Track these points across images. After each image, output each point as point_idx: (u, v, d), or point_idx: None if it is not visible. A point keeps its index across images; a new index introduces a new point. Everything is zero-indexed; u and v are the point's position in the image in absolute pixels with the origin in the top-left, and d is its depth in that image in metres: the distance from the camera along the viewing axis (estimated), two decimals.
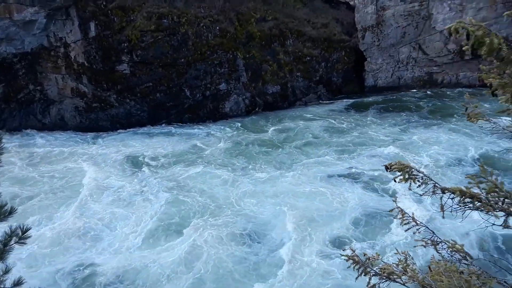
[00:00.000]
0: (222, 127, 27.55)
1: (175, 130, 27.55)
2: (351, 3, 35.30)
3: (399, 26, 34.29)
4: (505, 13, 3.59)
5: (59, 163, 21.87)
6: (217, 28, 30.35)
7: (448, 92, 32.83)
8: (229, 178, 18.66)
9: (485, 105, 4.47)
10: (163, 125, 28.75)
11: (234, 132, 26.56)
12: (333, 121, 27.77)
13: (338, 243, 13.08)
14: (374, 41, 35.00)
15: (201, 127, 28.18)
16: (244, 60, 31.25)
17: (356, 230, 13.69)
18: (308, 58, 34.04)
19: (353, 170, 18.94)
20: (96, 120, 28.59)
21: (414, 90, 34.34)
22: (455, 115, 26.40)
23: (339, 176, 18.39)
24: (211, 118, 29.82)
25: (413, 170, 4.53)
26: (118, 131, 27.68)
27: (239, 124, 28.08)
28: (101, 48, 28.11)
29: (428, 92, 33.52)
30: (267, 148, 23.05)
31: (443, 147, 20.89)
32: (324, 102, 33.70)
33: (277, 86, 32.76)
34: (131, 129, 27.73)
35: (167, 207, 15.94)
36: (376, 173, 17.99)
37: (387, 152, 20.96)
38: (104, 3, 28.37)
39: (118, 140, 25.70)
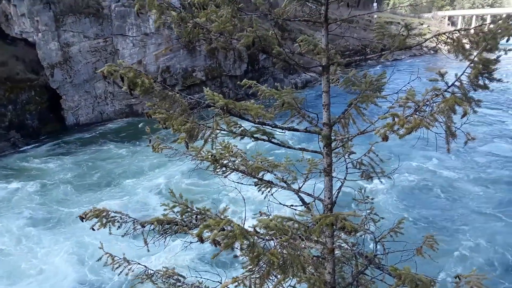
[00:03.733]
0: None
1: None
2: (30, 39, 32.27)
3: (88, 62, 34.10)
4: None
5: None
6: None
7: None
8: None
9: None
10: None
11: None
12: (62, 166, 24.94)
13: None
14: (66, 78, 33.36)
15: None
16: None
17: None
18: None
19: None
20: None
21: (119, 122, 35.03)
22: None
23: None
24: None
25: (110, 212, 4.38)
26: None
27: None
28: None
29: (131, 120, 34.97)
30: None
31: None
32: (23, 148, 29.41)
33: None
34: None
35: None
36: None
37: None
38: None
39: None
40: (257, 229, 3.20)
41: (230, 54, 40.88)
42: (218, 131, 4.22)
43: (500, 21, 3.19)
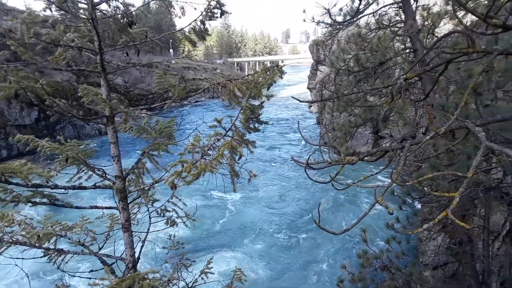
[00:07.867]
0: None
1: None
2: None
3: None
4: None
5: None
6: None
7: None
8: None
9: None
10: None
11: None
12: None
13: None
14: None
15: None
16: None
17: None
18: None
19: None
20: None
21: None
22: None
23: None
24: None
25: None
26: None
27: None
28: None
29: None
30: None
31: None
32: None
33: None
34: None
35: None
36: None
37: None
38: None
39: None
40: None
41: (14, 100, 35.49)
42: None
43: (260, 73, 3.68)
